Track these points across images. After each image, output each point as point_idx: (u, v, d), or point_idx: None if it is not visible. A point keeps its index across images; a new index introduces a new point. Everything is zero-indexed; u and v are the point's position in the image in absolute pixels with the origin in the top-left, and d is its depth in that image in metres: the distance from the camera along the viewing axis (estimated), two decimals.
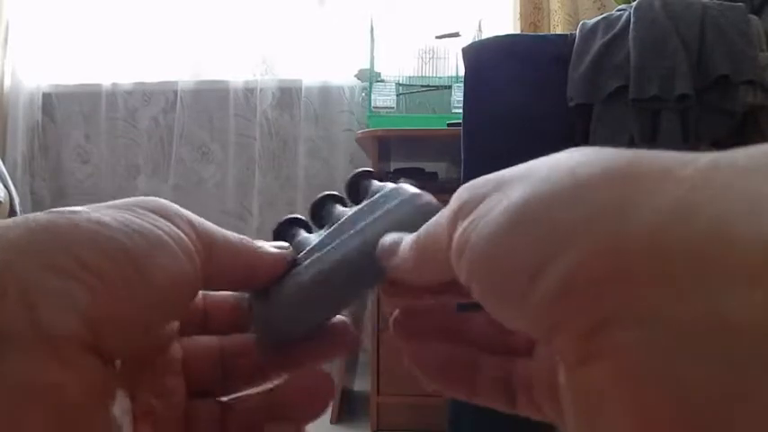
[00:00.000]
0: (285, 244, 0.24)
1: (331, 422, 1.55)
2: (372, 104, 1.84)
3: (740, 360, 0.11)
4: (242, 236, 0.23)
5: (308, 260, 0.23)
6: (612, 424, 0.13)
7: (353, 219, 0.24)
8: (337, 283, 0.23)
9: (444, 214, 0.19)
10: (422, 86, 1.92)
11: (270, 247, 0.24)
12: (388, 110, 1.84)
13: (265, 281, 0.23)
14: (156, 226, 0.19)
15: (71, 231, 0.17)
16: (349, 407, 1.63)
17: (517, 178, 0.16)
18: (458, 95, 1.80)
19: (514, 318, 0.16)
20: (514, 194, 0.16)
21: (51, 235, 0.17)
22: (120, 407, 0.18)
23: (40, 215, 0.18)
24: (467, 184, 0.18)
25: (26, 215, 0.18)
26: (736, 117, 0.96)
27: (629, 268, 0.13)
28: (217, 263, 0.21)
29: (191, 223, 0.20)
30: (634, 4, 1.06)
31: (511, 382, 0.22)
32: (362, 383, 1.69)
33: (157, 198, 0.20)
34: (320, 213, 0.26)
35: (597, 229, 0.14)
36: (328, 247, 0.23)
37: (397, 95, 1.87)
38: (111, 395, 0.17)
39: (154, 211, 0.19)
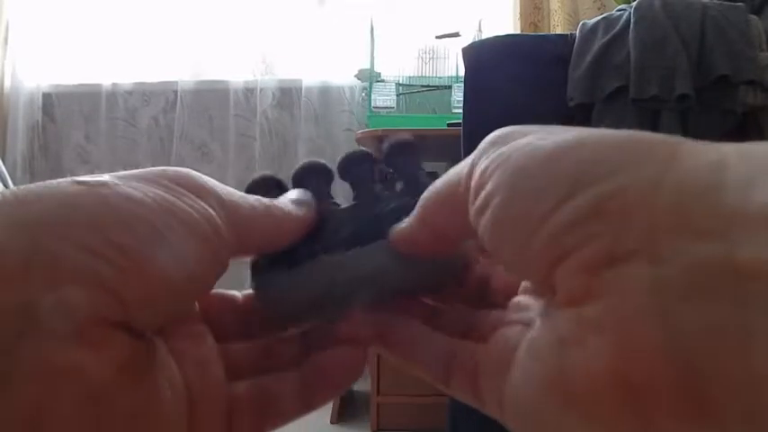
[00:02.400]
0: (307, 197, 0.24)
1: (331, 422, 1.55)
2: (372, 104, 1.84)
3: (750, 302, 0.12)
4: (268, 201, 0.22)
5: (337, 255, 0.23)
6: (591, 354, 0.14)
7: (387, 218, 0.23)
8: (363, 297, 0.23)
9: (466, 160, 0.19)
10: (422, 86, 1.92)
11: (293, 207, 0.23)
12: (388, 110, 1.84)
13: (285, 244, 0.23)
14: (186, 204, 0.18)
15: (100, 208, 0.16)
16: (349, 407, 1.63)
17: (560, 128, 0.17)
18: (458, 95, 1.80)
19: (523, 244, 0.16)
20: (561, 134, 0.16)
21: (80, 211, 0.16)
22: (163, 373, 0.18)
23: (65, 185, 0.17)
24: (499, 129, 0.18)
25: (48, 184, 0.17)
26: (736, 117, 0.96)
27: (656, 206, 0.13)
28: (243, 235, 0.20)
29: (218, 197, 0.20)
30: (634, 4, 1.06)
31: (452, 363, 0.22)
32: (362, 383, 1.69)
33: (186, 170, 0.20)
34: (352, 171, 0.25)
35: (636, 170, 0.14)
36: (361, 252, 0.23)
37: (397, 95, 1.87)
38: (144, 368, 0.17)
39: (183, 186, 0.19)
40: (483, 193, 0.17)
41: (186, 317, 0.21)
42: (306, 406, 0.23)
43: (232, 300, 0.24)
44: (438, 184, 0.20)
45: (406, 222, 0.22)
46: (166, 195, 0.18)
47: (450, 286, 0.25)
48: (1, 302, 0.14)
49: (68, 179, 0.17)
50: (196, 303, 0.23)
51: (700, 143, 0.15)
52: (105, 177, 0.18)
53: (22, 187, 0.17)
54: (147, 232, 0.17)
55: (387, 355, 0.23)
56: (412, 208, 0.22)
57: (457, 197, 0.19)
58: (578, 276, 0.14)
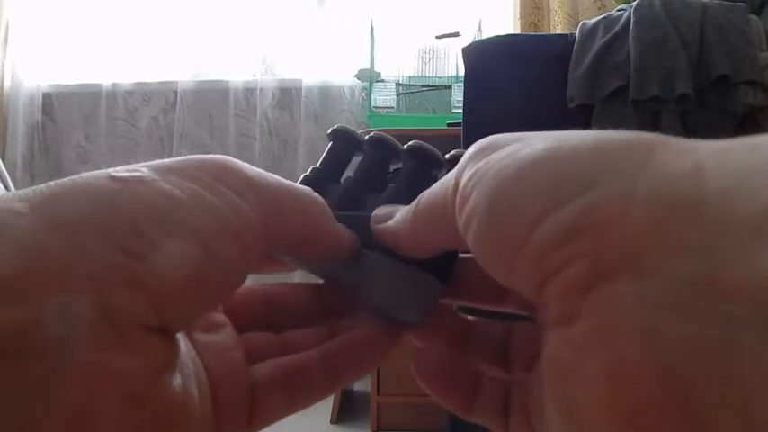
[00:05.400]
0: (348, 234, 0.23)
1: (331, 422, 1.55)
2: (372, 104, 1.84)
3: (734, 319, 0.12)
4: (309, 203, 0.21)
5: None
6: (587, 381, 0.14)
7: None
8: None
9: (453, 171, 0.19)
10: (422, 86, 1.92)
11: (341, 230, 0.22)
12: (388, 110, 1.84)
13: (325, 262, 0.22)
14: (223, 201, 0.18)
15: (139, 208, 0.16)
16: (349, 407, 1.63)
17: (538, 135, 0.17)
18: (458, 95, 1.80)
19: (509, 264, 0.16)
20: (536, 144, 0.16)
21: (118, 212, 0.16)
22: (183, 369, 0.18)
23: (102, 182, 0.16)
24: (481, 140, 0.18)
25: (84, 180, 0.16)
26: (736, 117, 0.96)
27: (633, 220, 0.13)
28: (278, 229, 0.20)
29: (256, 193, 0.19)
30: (634, 4, 1.06)
31: (509, 403, 0.22)
32: (362, 383, 1.69)
33: (223, 160, 0.19)
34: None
35: (608, 183, 0.14)
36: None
37: (397, 95, 1.87)
38: (174, 366, 0.17)
39: (218, 179, 0.18)
40: (465, 210, 0.17)
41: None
42: (334, 380, 0.23)
43: (252, 292, 0.24)
44: (427, 196, 0.20)
45: (393, 222, 0.21)
46: (203, 192, 0.18)
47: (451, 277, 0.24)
48: (44, 306, 0.14)
49: (104, 173, 0.17)
50: None
51: (675, 142, 0.14)
52: (143, 171, 0.17)
53: (54, 183, 0.16)
54: (185, 234, 0.16)
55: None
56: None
57: (445, 210, 0.18)
58: (564, 297, 0.14)
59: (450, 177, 0.19)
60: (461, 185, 0.18)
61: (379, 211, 0.22)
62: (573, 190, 0.14)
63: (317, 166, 0.26)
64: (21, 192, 0.16)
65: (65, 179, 0.16)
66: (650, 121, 0.99)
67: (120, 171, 0.17)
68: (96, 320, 0.14)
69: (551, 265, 0.14)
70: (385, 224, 0.22)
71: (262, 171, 0.20)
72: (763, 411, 0.11)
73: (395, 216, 0.21)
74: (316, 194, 0.22)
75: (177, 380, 0.17)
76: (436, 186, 0.20)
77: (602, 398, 0.13)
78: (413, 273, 0.21)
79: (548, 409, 0.16)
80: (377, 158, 0.25)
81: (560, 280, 0.14)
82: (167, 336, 0.16)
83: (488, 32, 1.79)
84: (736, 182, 0.12)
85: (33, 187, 0.16)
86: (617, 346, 0.13)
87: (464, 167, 0.18)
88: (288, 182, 0.21)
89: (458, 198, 0.18)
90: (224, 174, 0.19)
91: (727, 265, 0.12)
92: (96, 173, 0.17)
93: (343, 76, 2.07)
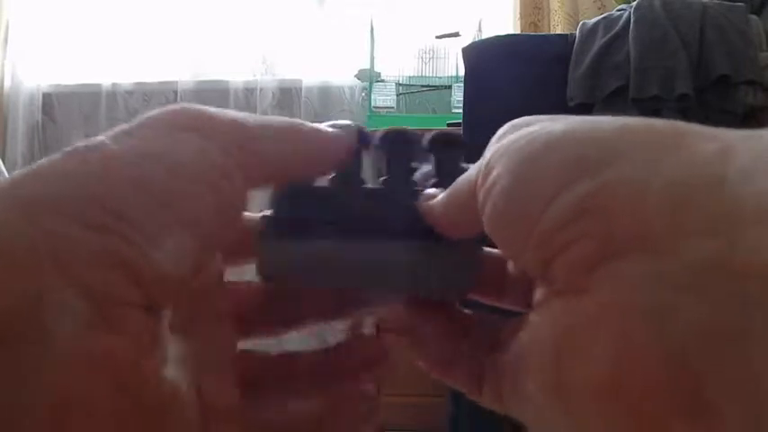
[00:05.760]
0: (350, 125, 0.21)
1: None
2: (372, 104, 1.84)
3: (748, 303, 0.11)
4: (297, 122, 0.20)
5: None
6: (588, 361, 0.13)
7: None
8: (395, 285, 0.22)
9: (484, 155, 0.18)
10: (422, 86, 1.92)
11: (330, 129, 0.21)
12: (388, 110, 1.84)
13: (318, 172, 0.21)
14: (194, 152, 0.16)
15: (98, 177, 0.15)
16: None
17: (569, 117, 0.17)
18: (458, 95, 1.79)
19: (522, 242, 0.16)
20: (560, 124, 0.16)
21: (72, 182, 0.15)
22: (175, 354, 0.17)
23: (56, 158, 0.15)
24: (508, 123, 0.18)
25: (41, 161, 0.15)
26: (736, 117, 0.96)
27: (648, 199, 0.13)
28: (262, 166, 0.18)
29: (227, 130, 0.18)
30: (634, 4, 1.06)
31: (482, 377, 0.21)
32: None
33: (188, 107, 0.18)
34: (396, 146, 0.24)
35: (626, 163, 0.14)
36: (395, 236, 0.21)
37: (397, 95, 1.87)
38: (161, 348, 0.16)
39: (189, 128, 0.17)
40: (485, 187, 0.17)
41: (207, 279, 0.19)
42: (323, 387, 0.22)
43: (245, 288, 0.23)
44: (462, 176, 0.20)
45: (435, 201, 0.21)
46: (171, 147, 0.16)
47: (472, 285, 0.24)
48: (16, 291, 0.13)
49: (62, 151, 0.16)
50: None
51: (707, 130, 0.14)
52: (99, 138, 0.16)
53: (21, 170, 0.15)
54: (152, 198, 0.15)
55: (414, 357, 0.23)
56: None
57: (472, 190, 0.18)
58: (571, 274, 0.14)
59: (480, 161, 0.18)
60: (484, 163, 0.17)
61: (429, 192, 0.22)
62: (588, 169, 0.14)
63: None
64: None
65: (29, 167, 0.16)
66: None
67: (79, 143, 0.16)
68: (74, 301, 0.13)
69: (560, 241, 0.14)
70: (428, 203, 0.21)
71: (226, 110, 0.19)
72: None
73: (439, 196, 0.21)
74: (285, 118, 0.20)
75: (165, 362, 0.16)
76: (472, 167, 0.19)
77: (602, 380, 0.13)
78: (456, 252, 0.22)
79: (530, 390, 0.16)
80: (400, 158, 0.24)
81: (568, 256, 0.14)
82: (153, 313, 0.15)
83: (488, 32, 1.79)
84: (758, 163, 0.12)
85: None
86: (625, 326, 0.13)
87: (490, 147, 0.18)
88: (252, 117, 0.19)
89: (479, 177, 0.18)
90: (190, 120, 0.17)
91: (744, 246, 0.12)
92: (56, 154, 0.16)
93: (343, 76, 2.07)
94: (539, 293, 0.17)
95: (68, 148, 0.16)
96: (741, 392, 0.11)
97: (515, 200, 0.16)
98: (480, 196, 0.17)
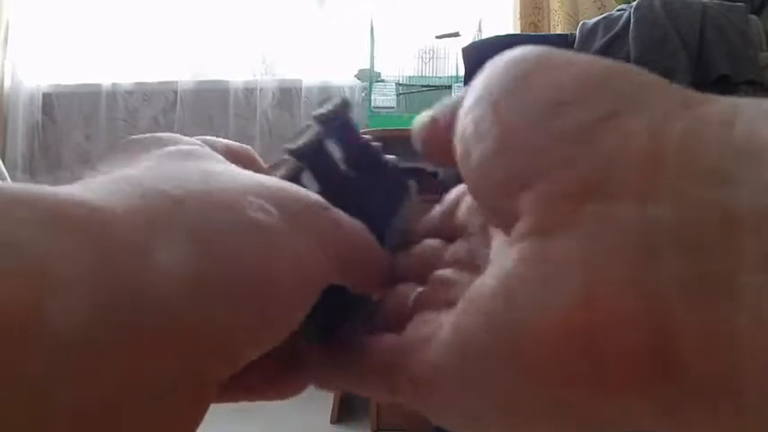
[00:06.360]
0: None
1: (331, 422, 1.55)
2: (372, 104, 1.84)
3: (741, 256, 0.11)
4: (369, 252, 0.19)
5: None
6: (552, 302, 0.12)
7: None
8: None
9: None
10: (422, 86, 1.92)
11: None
12: (389, 110, 1.84)
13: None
14: (310, 252, 0.16)
15: (278, 265, 0.15)
16: (349, 407, 1.63)
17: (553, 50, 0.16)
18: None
19: (493, 158, 0.14)
20: (551, 52, 0.15)
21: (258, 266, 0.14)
22: None
23: (249, 215, 0.15)
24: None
25: (224, 204, 0.15)
26: None
27: (654, 142, 0.12)
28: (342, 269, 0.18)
29: (332, 243, 0.17)
30: (634, 3, 1.06)
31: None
32: None
33: (286, 188, 0.17)
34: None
35: (635, 103, 0.13)
36: None
37: (397, 95, 1.87)
38: None
39: (292, 214, 0.16)
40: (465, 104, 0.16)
41: None
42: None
43: None
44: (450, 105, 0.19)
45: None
46: (282, 227, 0.16)
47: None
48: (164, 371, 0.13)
49: (242, 207, 0.15)
50: None
51: (711, 97, 0.14)
52: (274, 214, 0.15)
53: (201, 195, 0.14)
54: (284, 296, 0.15)
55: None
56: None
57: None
58: (552, 203, 0.13)
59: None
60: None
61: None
62: (596, 99, 0.13)
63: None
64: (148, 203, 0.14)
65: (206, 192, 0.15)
66: None
67: (256, 209, 0.15)
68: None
69: (544, 164, 0.13)
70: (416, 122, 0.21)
71: (346, 219, 0.18)
72: (747, 368, 0.11)
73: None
74: (373, 241, 0.20)
75: None
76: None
77: (565, 318, 0.12)
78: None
79: (470, 334, 0.14)
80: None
81: (552, 182, 0.13)
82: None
83: (488, 32, 1.79)
84: (763, 114, 0.12)
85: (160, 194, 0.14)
86: (600, 267, 0.12)
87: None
88: (353, 226, 0.19)
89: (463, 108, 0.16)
90: (292, 206, 0.17)
91: (745, 194, 0.11)
92: (228, 197, 0.15)
93: (343, 76, 2.07)
94: (496, 242, 0.16)
95: (253, 212, 0.15)
96: (716, 353, 0.11)
97: (498, 113, 0.15)
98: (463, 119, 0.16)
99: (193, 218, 0.14)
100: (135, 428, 0.12)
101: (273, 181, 0.17)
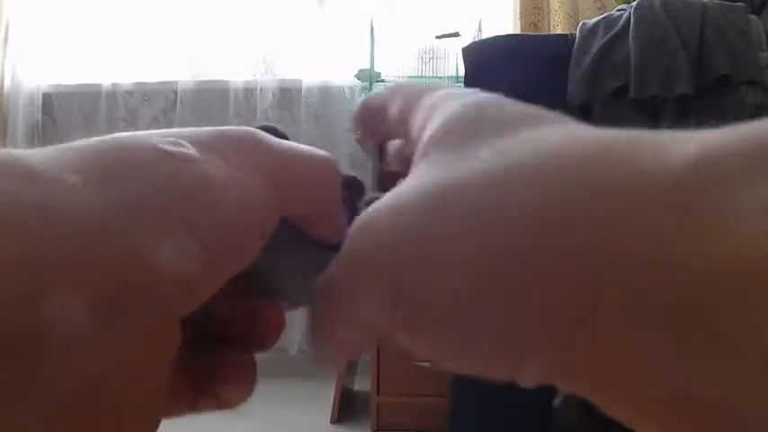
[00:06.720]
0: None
1: (331, 422, 1.55)
2: None
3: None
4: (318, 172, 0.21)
5: None
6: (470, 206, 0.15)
7: None
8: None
9: None
10: None
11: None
12: None
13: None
14: (245, 180, 0.17)
15: (194, 194, 0.15)
16: (349, 407, 1.63)
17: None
18: None
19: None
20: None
21: (178, 196, 0.15)
22: None
23: (152, 153, 0.15)
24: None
25: (127, 148, 0.15)
26: (737, 117, 0.96)
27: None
28: (287, 205, 0.19)
29: (273, 165, 0.19)
30: (634, 4, 1.06)
31: None
32: (362, 383, 1.69)
33: (243, 132, 0.20)
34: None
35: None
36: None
37: None
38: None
39: (240, 154, 0.18)
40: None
41: None
42: None
43: None
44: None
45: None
46: (233, 173, 0.17)
47: None
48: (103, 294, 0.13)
49: (149, 143, 0.16)
50: None
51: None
52: (189, 148, 0.16)
53: (100, 150, 0.15)
54: (222, 220, 0.16)
55: None
56: None
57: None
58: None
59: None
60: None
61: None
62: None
63: None
64: (62, 155, 0.14)
65: (105, 142, 0.15)
66: (650, 121, 0.99)
67: (164, 143, 0.16)
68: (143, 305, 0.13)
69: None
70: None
71: (282, 142, 0.20)
72: (649, 297, 0.12)
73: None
74: (328, 160, 0.21)
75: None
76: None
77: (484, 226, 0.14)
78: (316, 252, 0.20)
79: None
80: None
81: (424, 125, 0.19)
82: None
83: (488, 32, 1.79)
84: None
85: (77, 150, 0.15)
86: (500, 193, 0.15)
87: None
88: (305, 151, 0.21)
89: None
90: (241, 146, 0.19)
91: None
92: (139, 139, 0.16)
93: (343, 76, 2.07)
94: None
95: (161, 145, 0.16)
96: (632, 278, 0.12)
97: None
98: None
99: (113, 159, 0.15)
100: (103, 364, 0.12)
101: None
